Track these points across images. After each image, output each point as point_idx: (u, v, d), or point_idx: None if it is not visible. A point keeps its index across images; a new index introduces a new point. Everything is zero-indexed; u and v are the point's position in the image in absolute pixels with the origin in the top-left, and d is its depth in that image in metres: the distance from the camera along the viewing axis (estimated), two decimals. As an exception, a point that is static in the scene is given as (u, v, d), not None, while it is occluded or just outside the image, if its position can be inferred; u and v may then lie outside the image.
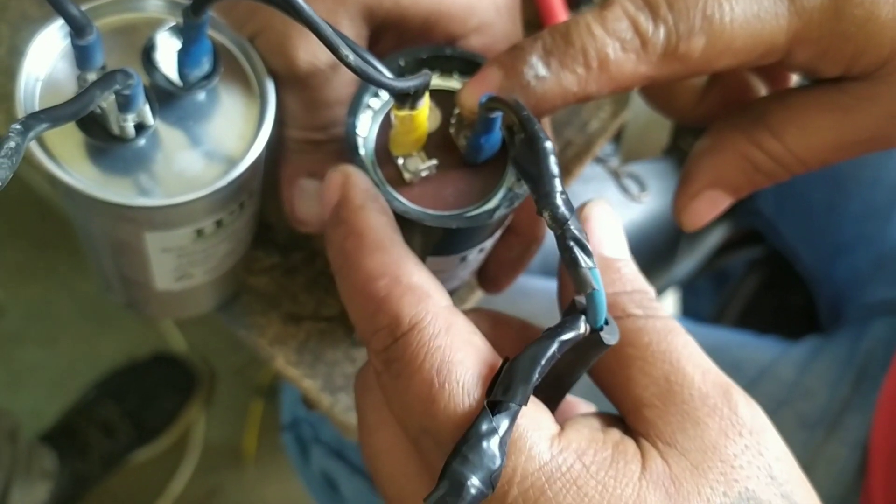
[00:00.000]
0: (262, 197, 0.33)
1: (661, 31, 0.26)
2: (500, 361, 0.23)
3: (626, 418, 0.25)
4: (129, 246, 0.30)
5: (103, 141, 0.27)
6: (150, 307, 0.38)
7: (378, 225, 0.25)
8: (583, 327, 0.23)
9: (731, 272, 0.79)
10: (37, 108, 0.27)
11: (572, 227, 0.22)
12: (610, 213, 0.28)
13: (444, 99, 0.29)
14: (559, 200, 0.23)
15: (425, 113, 0.27)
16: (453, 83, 0.30)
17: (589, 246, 0.22)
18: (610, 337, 0.24)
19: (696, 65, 0.26)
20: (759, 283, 0.73)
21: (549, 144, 0.23)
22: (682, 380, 0.24)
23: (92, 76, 0.26)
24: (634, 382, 0.24)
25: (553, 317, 0.25)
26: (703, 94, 0.33)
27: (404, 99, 0.26)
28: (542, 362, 0.22)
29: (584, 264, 0.22)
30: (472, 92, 0.27)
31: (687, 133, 0.58)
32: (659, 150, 0.44)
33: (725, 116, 0.31)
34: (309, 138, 0.31)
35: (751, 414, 0.24)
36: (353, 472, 0.55)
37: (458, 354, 0.23)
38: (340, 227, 0.25)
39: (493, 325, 0.28)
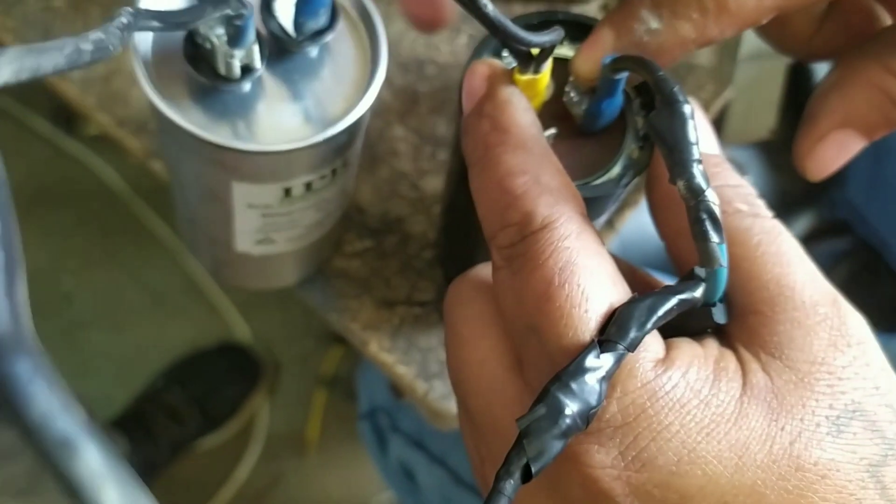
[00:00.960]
0: (356, 177, 0.33)
1: None
2: (621, 280, 0.22)
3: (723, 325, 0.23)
4: (217, 196, 0.30)
5: (208, 78, 0.27)
6: (229, 272, 0.38)
7: (524, 122, 0.24)
8: (699, 294, 0.22)
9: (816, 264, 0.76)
10: (150, 53, 0.27)
11: (708, 200, 0.21)
12: (702, 114, 0.27)
13: (555, 67, 0.28)
14: (696, 170, 0.21)
15: (547, 77, 0.26)
16: (563, 50, 0.29)
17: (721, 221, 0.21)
18: (720, 315, 0.22)
19: None
20: (847, 276, 0.70)
21: (687, 108, 0.22)
22: (794, 284, 0.22)
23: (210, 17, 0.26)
24: (740, 287, 0.23)
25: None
26: (821, 24, 0.29)
27: (529, 60, 0.25)
28: (659, 313, 0.21)
29: (713, 239, 0.21)
30: (587, 57, 0.25)
31: (795, 114, 0.55)
32: (765, 132, 0.42)
33: (852, 48, 0.28)
34: None
35: (858, 324, 0.22)
36: (432, 461, 0.55)
37: (584, 259, 0.21)
38: (484, 119, 0.24)
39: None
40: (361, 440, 0.60)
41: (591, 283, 0.21)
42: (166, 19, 0.22)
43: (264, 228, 0.32)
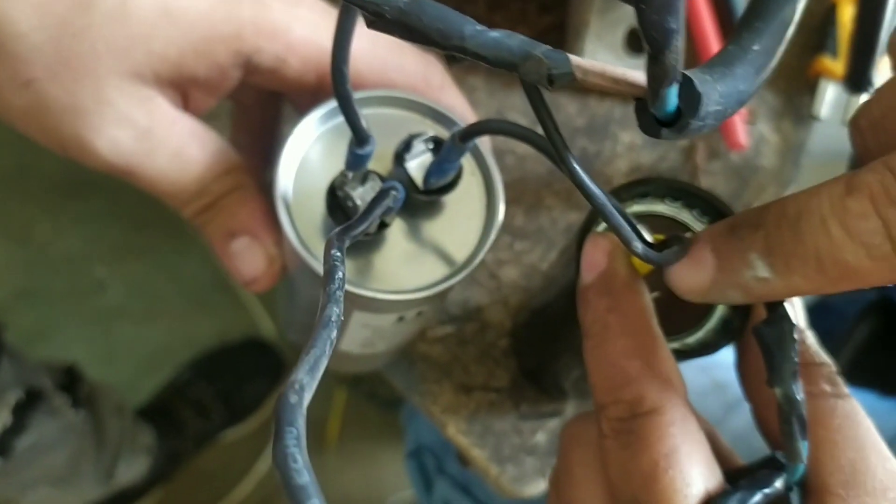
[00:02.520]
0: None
1: None
2: (716, 464, 0.25)
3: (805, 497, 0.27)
4: None
5: None
6: (335, 360, 0.41)
7: (642, 307, 0.27)
8: (780, 486, 0.25)
9: (835, 308, 0.79)
10: (291, 192, 0.30)
11: (801, 408, 0.24)
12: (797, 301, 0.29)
13: (654, 222, 0.31)
14: (794, 385, 0.25)
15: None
16: (661, 206, 0.31)
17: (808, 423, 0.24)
18: (796, 501, 0.25)
19: None
20: (868, 334, 0.73)
21: (796, 333, 0.25)
22: (867, 469, 0.25)
23: (355, 177, 0.29)
24: (821, 466, 0.26)
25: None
26: None
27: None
28: None
29: (799, 439, 0.24)
30: (688, 282, 0.25)
31: None
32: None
33: None
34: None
35: None
36: (476, 504, 0.58)
37: (686, 446, 0.25)
38: (605, 298, 0.27)
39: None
40: (407, 477, 0.64)
41: (691, 470, 0.24)
42: (354, 234, 0.24)
43: (371, 340, 0.35)
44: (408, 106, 0.32)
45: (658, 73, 0.16)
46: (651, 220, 0.31)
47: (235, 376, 1.13)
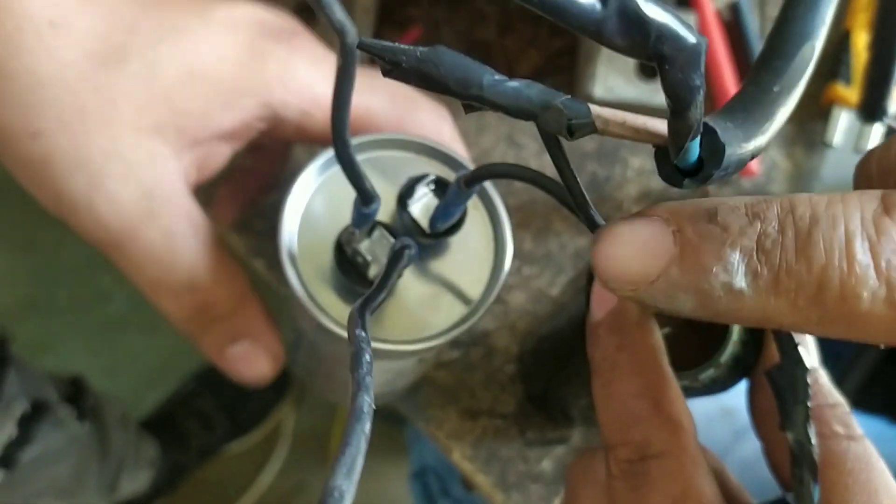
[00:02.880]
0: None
1: None
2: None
3: None
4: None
5: (354, 282, 0.29)
6: (342, 399, 0.41)
7: (652, 347, 0.26)
8: None
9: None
10: (296, 246, 0.29)
11: (812, 454, 0.24)
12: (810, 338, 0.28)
13: None
14: (806, 430, 0.24)
15: None
16: None
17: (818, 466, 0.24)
18: None
19: None
20: (881, 356, 0.73)
21: (809, 377, 0.25)
22: None
23: (361, 233, 0.29)
24: None
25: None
26: None
27: None
28: None
29: (808, 483, 0.24)
30: (624, 265, 0.18)
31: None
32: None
33: None
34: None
35: None
36: (480, 527, 0.58)
37: (696, 491, 0.24)
38: (615, 336, 0.27)
39: None
40: (411, 497, 0.63)
41: None
42: (373, 306, 0.24)
43: (392, 380, 0.35)
44: (408, 147, 0.31)
45: (682, 128, 0.16)
46: None
47: (239, 389, 1.13)
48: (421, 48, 0.17)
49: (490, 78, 0.17)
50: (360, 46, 0.17)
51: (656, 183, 0.46)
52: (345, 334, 0.28)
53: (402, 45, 0.17)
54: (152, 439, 1.04)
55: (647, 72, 0.46)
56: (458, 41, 0.47)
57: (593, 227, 0.21)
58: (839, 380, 0.72)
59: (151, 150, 0.28)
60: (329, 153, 0.30)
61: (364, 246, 0.29)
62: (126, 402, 1.08)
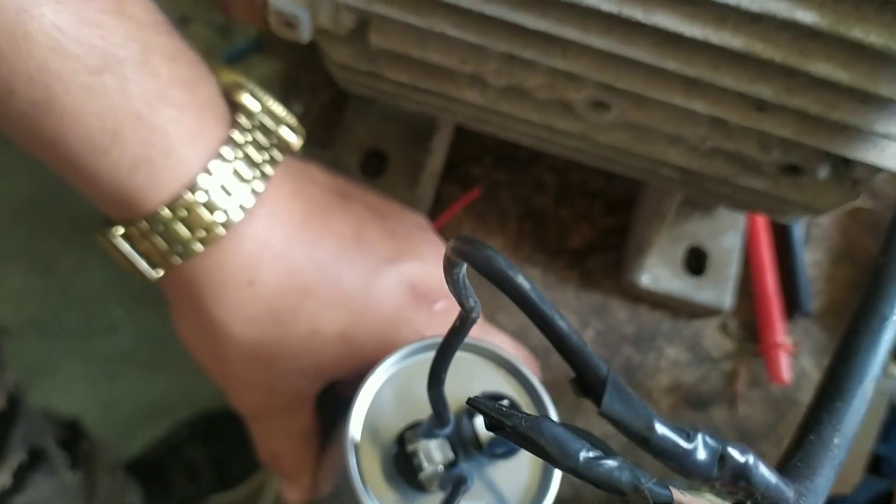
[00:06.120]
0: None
1: None
2: None
3: None
4: None
5: (403, 474, 0.30)
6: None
7: None
8: None
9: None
10: (360, 431, 0.31)
11: None
12: None
13: None
14: None
15: None
16: None
17: None
18: None
19: None
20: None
21: None
22: None
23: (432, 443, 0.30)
24: None
25: None
26: None
27: None
28: None
29: None
30: None
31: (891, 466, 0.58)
32: (849, 488, 0.45)
33: None
34: None
35: None
36: None
37: None
38: None
39: None
40: None
41: None
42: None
43: None
44: (484, 354, 0.33)
45: None
46: None
47: (231, 443, 1.13)
48: (526, 416, 0.18)
49: (586, 455, 0.18)
50: (470, 402, 0.18)
51: (688, 377, 0.47)
52: None
53: (510, 410, 0.18)
54: (137, 486, 1.04)
55: (692, 266, 0.47)
56: (516, 205, 0.49)
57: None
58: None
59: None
60: (404, 349, 0.32)
61: (423, 447, 0.30)
62: (116, 437, 1.08)
